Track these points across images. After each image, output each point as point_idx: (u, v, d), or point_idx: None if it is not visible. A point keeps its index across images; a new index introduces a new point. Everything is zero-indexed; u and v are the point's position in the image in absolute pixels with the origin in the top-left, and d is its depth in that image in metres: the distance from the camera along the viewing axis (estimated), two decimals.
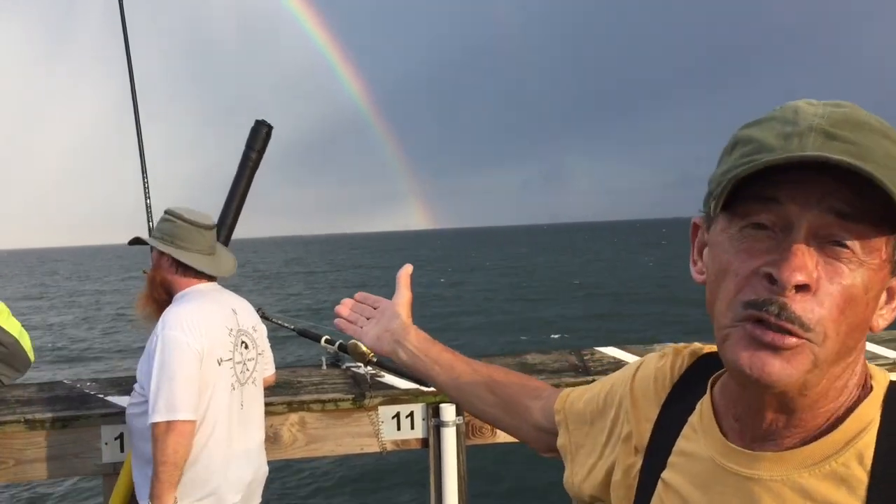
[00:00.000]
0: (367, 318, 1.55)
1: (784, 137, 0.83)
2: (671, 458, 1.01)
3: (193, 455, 2.86)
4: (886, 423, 0.87)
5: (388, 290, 1.60)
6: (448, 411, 3.48)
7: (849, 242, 0.82)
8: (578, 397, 1.28)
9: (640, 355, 3.77)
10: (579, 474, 1.20)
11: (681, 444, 1.01)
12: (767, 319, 0.82)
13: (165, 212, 3.12)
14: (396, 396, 3.54)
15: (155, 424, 2.76)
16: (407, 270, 1.53)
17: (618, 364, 3.71)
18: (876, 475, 0.83)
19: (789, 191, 0.82)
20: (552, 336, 22.37)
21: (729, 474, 0.91)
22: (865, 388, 0.91)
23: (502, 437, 3.60)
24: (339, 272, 61.78)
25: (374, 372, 3.64)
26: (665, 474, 1.01)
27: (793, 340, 0.81)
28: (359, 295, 1.59)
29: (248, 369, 3.10)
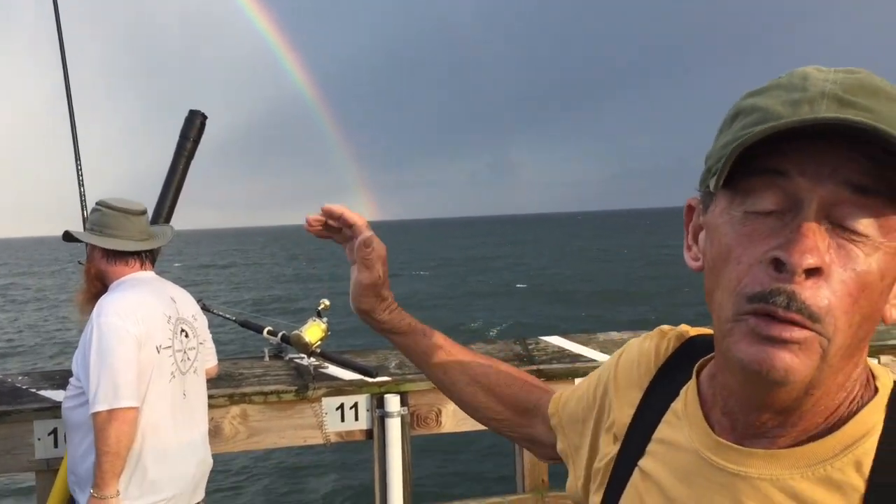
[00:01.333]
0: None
1: (792, 104, 0.75)
2: (650, 446, 0.96)
3: (135, 445, 2.79)
4: (889, 431, 0.80)
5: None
6: (392, 402, 3.47)
7: (864, 222, 0.74)
8: (571, 396, 1.21)
9: (585, 345, 3.82)
10: (580, 478, 1.11)
11: (662, 430, 0.95)
12: (774, 312, 0.74)
13: (95, 203, 3.05)
14: (340, 388, 3.51)
15: (96, 414, 2.68)
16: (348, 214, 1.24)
17: (562, 353, 3.74)
18: (874, 484, 0.77)
19: (798, 161, 0.75)
20: (495, 330, 22.51)
21: (714, 469, 0.85)
22: (869, 389, 0.84)
23: (447, 426, 3.60)
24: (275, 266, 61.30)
25: (317, 363, 3.61)
26: (642, 462, 0.95)
27: (801, 333, 0.74)
28: (327, 209, 1.28)
29: (188, 358, 3.03)
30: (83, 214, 3.46)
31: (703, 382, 0.94)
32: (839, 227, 0.74)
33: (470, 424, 3.60)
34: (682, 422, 0.93)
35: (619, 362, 1.11)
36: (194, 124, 3.50)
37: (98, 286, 3.01)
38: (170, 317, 2.97)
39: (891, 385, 0.84)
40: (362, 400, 3.53)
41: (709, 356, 0.97)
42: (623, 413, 1.04)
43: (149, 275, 3.05)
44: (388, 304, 1.32)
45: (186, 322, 3.07)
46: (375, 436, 3.53)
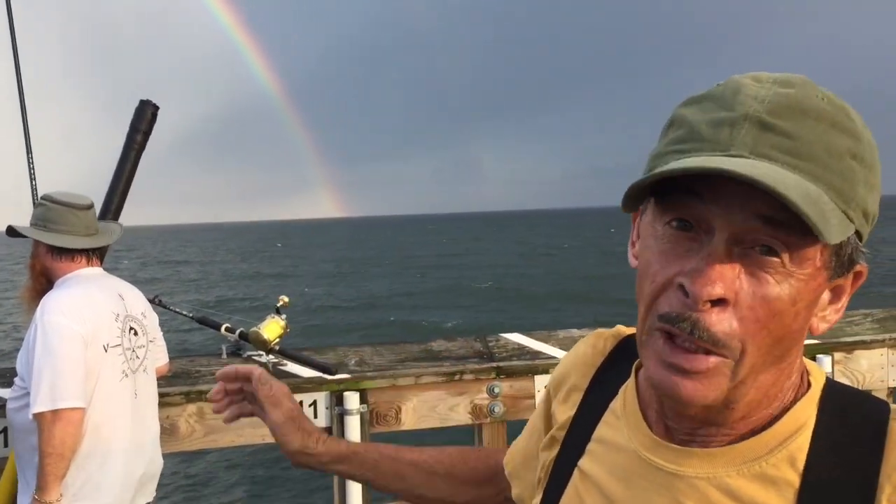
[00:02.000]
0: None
1: (714, 125, 0.76)
2: (589, 446, 0.95)
3: (82, 447, 2.72)
4: (821, 425, 0.82)
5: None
6: (352, 399, 3.45)
7: (775, 250, 0.74)
8: (520, 437, 1.18)
9: (545, 342, 3.83)
10: None
11: (601, 430, 0.95)
12: (679, 336, 0.76)
13: (41, 197, 2.98)
14: (299, 385, 3.48)
15: (40, 414, 2.60)
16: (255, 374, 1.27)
17: (522, 350, 3.75)
18: (808, 479, 0.78)
19: (713, 189, 0.74)
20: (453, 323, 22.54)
21: (653, 469, 0.86)
22: (802, 387, 0.85)
23: (407, 423, 3.59)
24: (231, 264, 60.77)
25: (276, 360, 3.58)
26: (582, 462, 0.95)
27: (704, 363, 0.75)
28: (222, 373, 1.31)
29: (138, 357, 2.96)
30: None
31: (641, 381, 0.94)
32: (751, 252, 0.75)
33: (430, 422, 3.62)
34: (620, 421, 0.93)
35: (558, 372, 1.11)
36: (145, 115, 3.42)
37: (43, 283, 2.93)
38: (118, 314, 2.90)
39: (823, 381, 0.86)
40: (321, 398, 3.50)
41: None
42: (564, 416, 1.03)
43: (96, 271, 2.98)
44: (316, 435, 1.31)
45: (135, 319, 3.00)
46: (334, 433, 3.50)
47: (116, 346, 2.85)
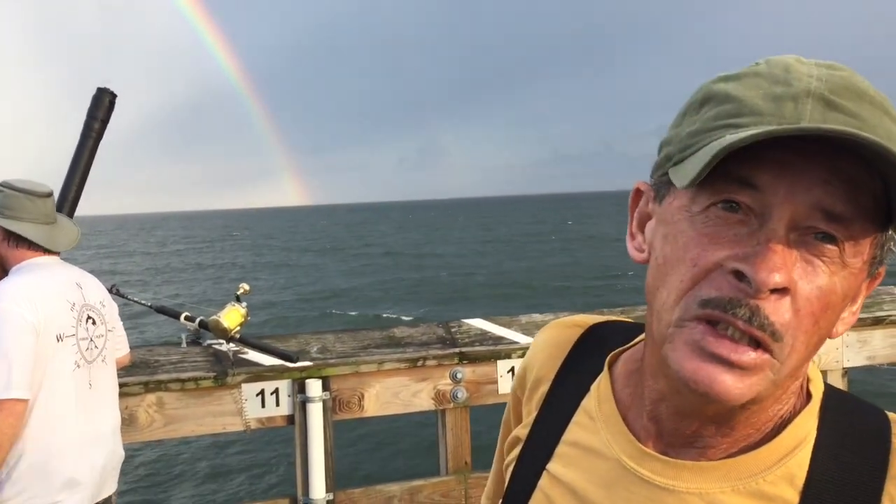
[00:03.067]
0: None
1: (775, 100, 0.69)
2: (560, 448, 0.88)
3: (32, 439, 2.66)
4: (822, 441, 0.77)
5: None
6: (314, 387, 3.43)
7: (834, 240, 0.69)
8: (493, 469, 1.11)
9: (507, 327, 3.85)
10: None
11: (573, 432, 0.88)
12: (734, 323, 0.69)
13: None
14: (260, 373, 3.45)
15: None
16: None
17: (484, 335, 3.76)
18: (807, 499, 0.74)
19: (771, 175, 0.69)
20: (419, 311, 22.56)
21: (639, 481, 0.79)
22: (802, 396, 0.80)
23: (370, 410, 3.58)
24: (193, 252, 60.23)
25: (236, 349, 3.54)
26: (552, 466, 0.88)
27: (752, 358, 0.69)
28: None
29: (96, 347, 2.91)
30: None
31: (617, 380, 0.89)
32: (809, 239, 0.69)
33: (393, 408, 3.62)
34: (597, 424, 0.86)
35: (521, 369, 1.03)
36: (102, 103, 3.35)
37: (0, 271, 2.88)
38: (73, 303, 2.84)
39: (822, 388, 0.81)
40: (283, 385, 3.48)
41: (622, 349, 0.92)
42: (528, 414, 0.97)
43: (52, 259, 2.91)
44: None
45: (93, 309, 2.94)
46: (297, 421, 3.48)
47: (70, 336, 2.80)
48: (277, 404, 3.48)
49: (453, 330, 3.81)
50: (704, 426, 0.77)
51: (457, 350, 3.63)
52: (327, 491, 3.48)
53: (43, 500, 2.69)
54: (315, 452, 3.45)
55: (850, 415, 0.79)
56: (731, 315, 0.68)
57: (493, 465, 1.09)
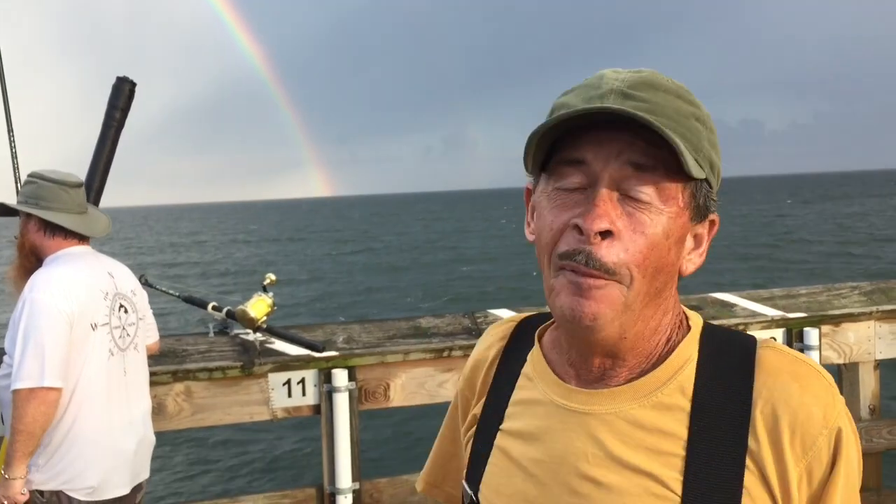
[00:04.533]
0: None
1: (587, 101, 0.93)
2: (508, 410, 1.08)
3: (68, 425, 2.72)
4: (703, 358, 0.98)
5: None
6: (340, 377, 3.44)
7: (646, 191, 0.91)
8: (429, 461, 1.31)
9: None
10: None
11: (517, 394, 1.08)
12: (577, 269, 0.91)
13: (28, 175, 2.93)
14: (287, 363, 3.46)
15: (15, 391, 2.60)
16: None
17: None
18: (696, 403, 0.95)
19: (592, 149, 0.92)
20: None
21: (568, 412, 1.00)
22: (682, 328, 1.02)
23: (396, 400, 3.59)
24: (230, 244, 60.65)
25: (263, 338, 3.55)
26: (504, 425, 1.07)
27: (602, 281, 0.91)
28: None
29: (128, 335, 2.95)
30: (16, 187, 3.32)
31: (545, 345, 1.09)
32: (627, 198, 0.92)
33: (419, 398, 3.62)
34: (534, 382, 1.06)
35: (466, 369, 1.21)
36: (123, 92, 3.35)
37: (32, 261, 2.90)
38: (107, 293, 2.88)
39: (701, 323, 1.03)
40: (309, 375, 3.49)
41: (547, 324, 1.12)
42: (480, 397, 1.15)
43: (85, 249, 2.95)
44: None
45: (125, 297, 2.98)
46: (323, 411, 3.50)
47: (105, 324, 2.84)
48: (304, 394, 3.49)
49: (479, 320, 3.81)
50: (603, 360, 0.99)
51: None
52: (353, 480, 3.49)
53: (77, 485, 2.75)
54: (341, 442, 3.46)
55: (723, 338, 1.01)
56: (574, 262, 0.91)
57: (434, 449, 1.29)
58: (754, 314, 3.99)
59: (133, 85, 3.38)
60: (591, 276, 0.91)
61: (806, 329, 3.90)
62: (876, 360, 4.07)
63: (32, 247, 2.89)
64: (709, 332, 1.02)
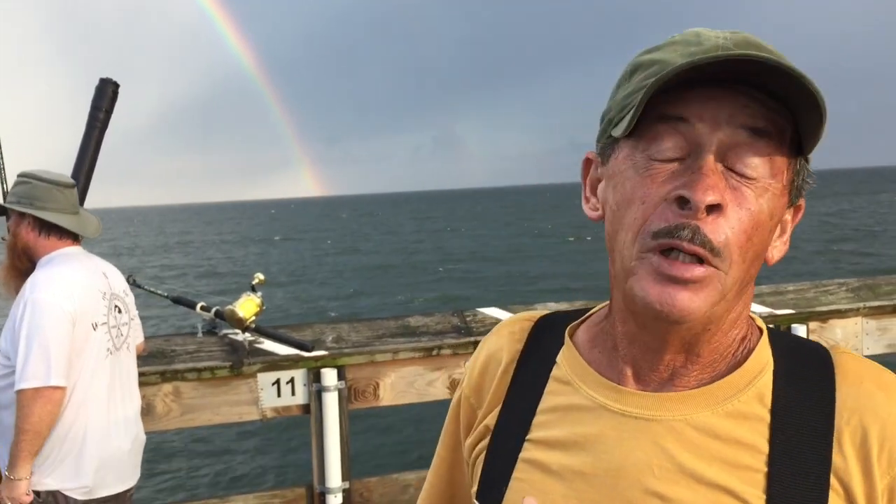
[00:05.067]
0: None
1: (690, 56, 0.79)
2: (537, 419, 0.93)
3: (69, 424, 2.73)
4: (779, 364, 0.88)
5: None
6: (329, 376, 3.43)
7: (756, 163, 0.80)
8: (428, 482, 1.13)
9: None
10: None
11: (549, 401, 0.93)
12: (680, 245, 0.78)
13: (19, 175, 2.92)
14: (276, 363, 3.46)
15: (21, 391, 2.61)
16: None
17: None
18: (776, 412, 0.84)
19: (698, 108, 0.80)
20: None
21: (626, 418, 0.86)
22: (755, 329, 0.91)
23: (385, 399, 3.59)
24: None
25: (252, 338, 3.55)
26: (532, 435, 0.92)
27: (700, 271, 0.79)
28: None
29: (122, 334, 2.97)
30: (2, 188, 3.31)
31: (581, 345, 0.95)
32: (733, 170, 0.80)
33: (408, 397, 3.62)
34: (572, 385, 0.92)
35: (472, 370, 1.06)
36: (106, 93, 3.37)
37: (25, 262, 2.89)
38: (104, 293, 2.90)
39: (765, 327, 0.92)
40: (299, 375, 3.49)
41: (578, 321, 0.99)
42: (492, 405, 1.00)
43: (78, 249, 2.96)
44: None
45: (119, 297, 3.00)
46: (312, 411, 3.49)
47: (103, 323, 2.86)
48: (293, 393, 3.49)
49: (468, 319, 3.81)
50: (675, 357, 0.86)
51: (472, 339, 3.63)
52: (343, 479, 3.49)
53: (76, 483, 2.75)
54: (331, 441, 3.45)
55: (794, 342, 0.92)
56: (676, 239, 0.78)
57: (431, 474, 1.11)
58: None
59: (116, 86, 3.39)
60: (693, 257, 0.79)
61: (794, 326, 3.92)
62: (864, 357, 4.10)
63: (25, 247, 2.88)
64: (778, 337, 0.91)
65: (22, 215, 2.85)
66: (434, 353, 3.60)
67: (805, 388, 0.86)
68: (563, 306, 3.91)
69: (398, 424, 9.19)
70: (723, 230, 0.79)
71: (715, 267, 0.79)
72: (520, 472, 0.91)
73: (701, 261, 0.79)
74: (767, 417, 0.84)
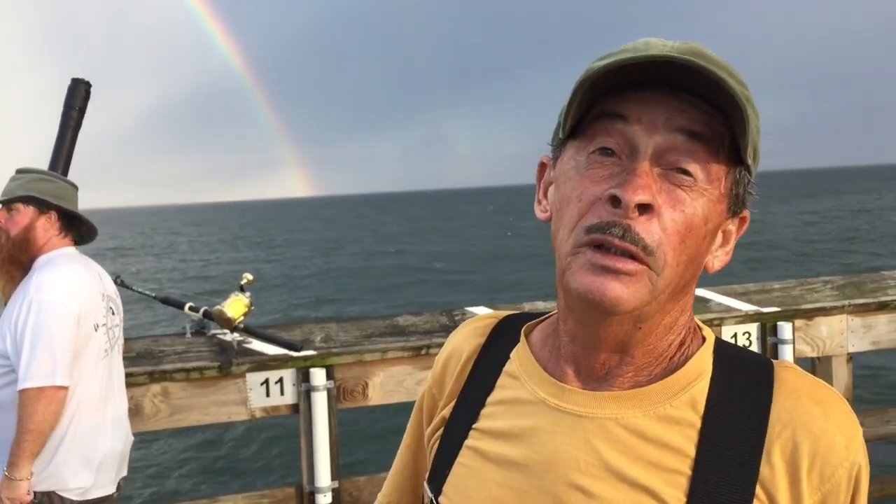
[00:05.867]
0: None
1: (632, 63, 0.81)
2: (484, 410, 0.97)
3: (68, 424, 2.73)
4: (718, 373, 0.89)
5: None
6: (318, 376, 3.44)
7: (692, 167, 0.81)
8: (393, 469, 1.18)
9: None
10: None
11: (498, 394, 0.97)
12: (611, 242, 0.80)
13: (37, 172, 2.96)
14: (265, 362, 3.46)
15: (24, 391, 2.61)
16: None
17: None
18: (708, 421, 0.85)
19: (637, 109, 0.82)
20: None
21: (562, 414, 0.89)
22: (698, 337, 0.92)
23: (374, 399, 3.59)
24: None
25: (241, 338, 3.55)
26: (477, 424, 0.96)
27: (633, 266, 0.81)
28: None
29: (115, 335, 3.01)
30: None
31: (534, 343, 0.99)
32: (670, 173, 0.82)
33: (397, 396, 3.62)
34: (520, 381, 0.95)
35: (437, 365, 1.10)
36: (79, 93, 3.37)
37: (25, 259, 2.83)
38: (102, 293, 2.93)
39: (713, 336, 0.93)
40: (287, 374, 3.49)
41: (536, 321, 1.02)
42: (451, 397, 1.04)
43: (75, 251, 2.98)
44: None
45: (112, 299, 3.03)
46: (301, 410, 3.49)
47: (103, 324, 2.90)
48: (282, 393, 3.49)
49: (457, 318, 3.82)
50: (610, 356, 0.88)
51: None
52: (332, 479, 3.49)
53: (70, 485, 2.75)
54: (320, 441, 3.46)
55: (738, 354, 0.92)
56: (608, 235, 0.80)
57: (397, 460, 1.16)
58: (729, 309, 4.03)
59: (88, 85, 3.40)
60: (624, 253, 0.80)
61: (780, 323, 3.95)
62: (848, 354, 4.12)
63: (32, 242, 2.84)
64: (723, 347, 0.92)
65: (46, 209, 2.87)
66: (423, 352, 3.61)
67: (740, 397, 0.86)
68: (550, 305, 3.93)
69: (387, 424, 9.19)
70: (655, 230, 0.81)
71: (647, 266, 0.81)
72: (463, 458, 0.95)
73: (633, 258, 0.81)
74: (698, 423, 0.85)
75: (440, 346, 3.82)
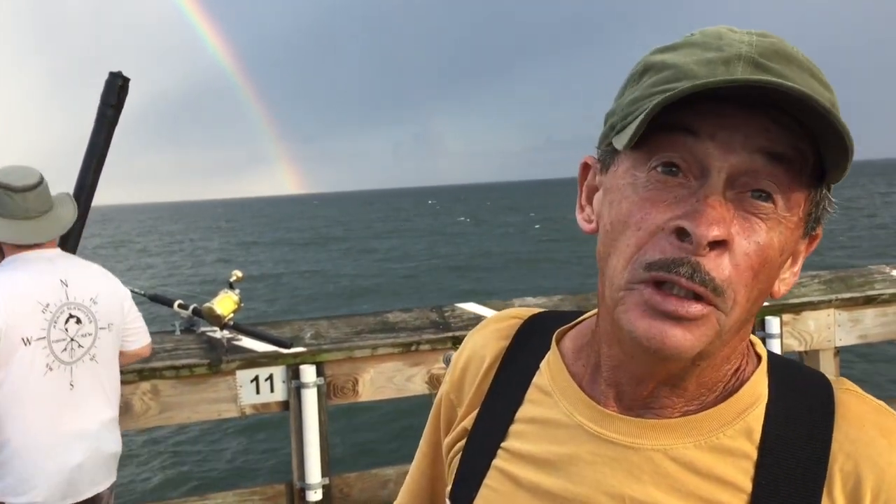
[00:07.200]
0: None
1: (707, 64, 0.71)
2: (514, 427, 0.89)
3: (2, 442, 2.63)
4: (775, 398, 0.81)
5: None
6: (308, 372, 3.44)
7: (772, 193, 0.72)
8: (408, 479, 1.10)
9: (501, 310, 3.87)
10: None
11: (526, 409, 0.89)
12: (677, 282, 0.71)
13: None
14: (254, 360, 3.46)
15: None
16: None
17: (478, 319, 3.76)
18: (765, 452, 0.77)
19: (711, 125, 0.71)
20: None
21: (603, 442, 0.81)
22: (752, 358, 0.84)
23: (364, 395, 3.59)
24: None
25: (230, 336, 3.54)
26: (507, 444, 0.88)
27: (698, 308, 0.71)
28: None
29: (81, 346, 2.80)
30: None
31: (566, 354, 0.90)
32: (745, 199, 0.72)
33: (387, 393, 3.62)
34: (553, 397, 0.87)
35: (455, 366, 1.02)
36: (114, 88, 3.23)
37: None
38: (47, 304, 2.73)
39: (765, 353, 0.85)
40: (278, 371, 3.48)
41: (567, 326, 0.94)
42: (471, 406, 0.96)
43: (38, 254, 2.81)
44: None
45: (80, 307, 2.81)
46: (292, 407, 3.49)
47: (40, 338, 2.70)
48: (272, 390, 3.49)
49: (446, 314, 3.82)
50: (659, 387, 0.80)
51: (450, 334, 3.64)
52: (323, 475, 3.49)
53: (23, 499, 2.65)
54: (310, 438, 3.46)
55: (796, 376, 0.83)
56: (674, 274, 0.70)
57: (413, 467, 1.08)
58: None
59: (126, 80, 3.25)
60: (690, 295, 0.71)
61: (767, 318, 3.97)
62: (836, 348, 4.15)
63: None
64: (780, 367, 0.84)
65: None
66: (413, 348, 3.61)
67: (799, 425, 0.78)
68: (541, 301, 3.94)
69: (377, 420, 9.19)
70: (725, 266, 0.71)
71: (714, 306, 0.72)
72: (491, 480, 0.88)
73: (699, 297, 0.71)
74: (754, 455, 0.77)
75: (430, 342, 3.84)
